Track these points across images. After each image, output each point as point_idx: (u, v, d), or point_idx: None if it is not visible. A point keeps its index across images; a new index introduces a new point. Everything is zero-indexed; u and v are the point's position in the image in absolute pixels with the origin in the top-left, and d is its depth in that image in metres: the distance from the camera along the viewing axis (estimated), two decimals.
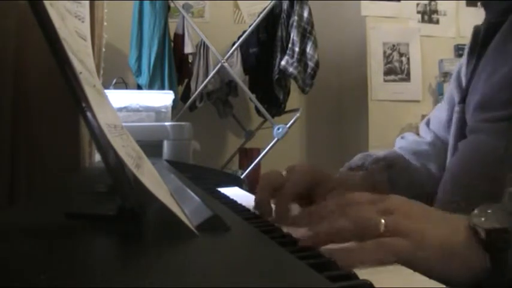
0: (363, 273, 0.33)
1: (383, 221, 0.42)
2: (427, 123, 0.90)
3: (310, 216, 0.49)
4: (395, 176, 0.81)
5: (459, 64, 0.81)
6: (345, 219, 0.43)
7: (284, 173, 0.63)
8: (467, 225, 0.42)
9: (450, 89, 0.83)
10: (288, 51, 2.65)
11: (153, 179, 0.40)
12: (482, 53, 0.72)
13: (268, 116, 2.65)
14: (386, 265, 0.38)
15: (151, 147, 1.33)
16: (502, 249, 0.40)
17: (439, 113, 0.87)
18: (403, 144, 0.90)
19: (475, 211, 0.43)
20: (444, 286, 0.33)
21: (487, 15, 0.74)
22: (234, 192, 0.79)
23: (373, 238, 0.41)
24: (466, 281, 0.41)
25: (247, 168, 2.66)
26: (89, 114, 0.31)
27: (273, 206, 0.58)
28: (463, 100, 0.75)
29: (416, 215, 0.43)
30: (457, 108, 0.76)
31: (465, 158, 0.69)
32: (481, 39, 0.73)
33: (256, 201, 0.60)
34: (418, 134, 0.92)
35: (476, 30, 0.75)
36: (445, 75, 3.09)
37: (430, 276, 0.36)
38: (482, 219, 0.42)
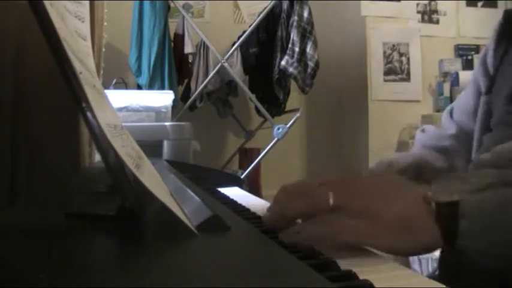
0: (362, 274, 0.33)
1: (331, 198, 0.43)
2: (451, 113, 0.83)
3: None
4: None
5: (485, 47, 0.75)
6: (300, 199, 0.46)
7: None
8: (423, 197, 0.43)
9: (475, 74, 0.77)
10: (288, 51, 2.65)
11: (153, 179, 0.40)
12: None
13: (268, 116, 2.65)
14: (328, 241, 0.41)
15: (151, 147, 1.33)
16: (451, 221, 0.41)
17: (464, 100, 0.80)
18: (426, 140, 0.84)
19: (433, 185, 0.43)
20: (444, 286, 0.33)
21: None
22: (234, 192, 0.79)
23: (323, 214, 0.43)
24: (417, 251, 0.43)
25: (247, 168, 2.66)
26: (89, 114, 0.31)
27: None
28: (489, 90, 0.70)
29: (370, 191, 0.45)
30: (483, 99, 0.71)
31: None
32: None
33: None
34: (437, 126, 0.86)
35: (508, 14, 0.70)
36: (445, 75, 3.09)
37: (377, 247, 0.40)
38: (438, 191, 0.42)
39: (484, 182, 0.42)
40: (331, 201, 0.43)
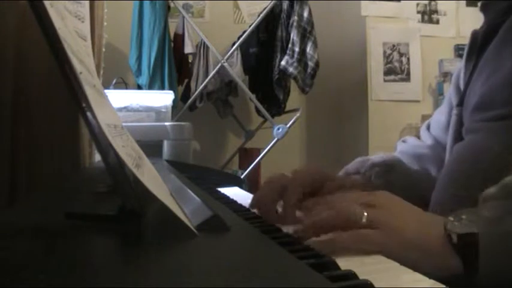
0: (363, 273, 0.33)
1: (365, 213, 0.44)
2: (428, 128, 0.92)
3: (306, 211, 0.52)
4: (394, 179, 0.82)
5: (458, 69, 0.82)
6: (330, 212, 0.46)
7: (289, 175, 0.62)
8: (443, 229, 0.43)
9: (449, 93, 0.85)
10: (288, 51, 2.65)
11: (153, 179, 0.40)
12: (481, 56, 0.73)
13: (268, 116, 2.65)
14: (361, 254, 0.41)
15: (151, 147, 1.33)
16: (472, 253, 0.41)
17: (438, 117, 0.88)
18: (404, 147, 0.92)
19: (450, 217, 0.44)
20: (444, 286, 0.33)
21: (485, 19, 0.75)
22: (234, 192, 0.80)
23: (356, 229, 0.43)
24: (440, 280, 0.41)
25: (247, 168, 2.66)
26: (89, 114, 0.31)
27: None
28: (461, 103, 0.76)
29: (397, 212, 0.46)
30: (455, 111, 0.77)
31: (461, 157, 0.69)
32: (480, 42, 0.73)
33: (257, 199, 0.60)
34: (419, 138, 0.93)
35: (474, 34, 0.76)
36: (445, 75, 3.09)
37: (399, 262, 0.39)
38: (456, 224, 0.43)
39: (493, 214, 0.43)
40: (364, 220, 0.44)
